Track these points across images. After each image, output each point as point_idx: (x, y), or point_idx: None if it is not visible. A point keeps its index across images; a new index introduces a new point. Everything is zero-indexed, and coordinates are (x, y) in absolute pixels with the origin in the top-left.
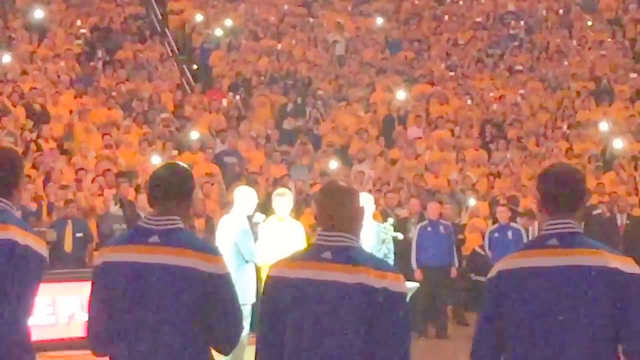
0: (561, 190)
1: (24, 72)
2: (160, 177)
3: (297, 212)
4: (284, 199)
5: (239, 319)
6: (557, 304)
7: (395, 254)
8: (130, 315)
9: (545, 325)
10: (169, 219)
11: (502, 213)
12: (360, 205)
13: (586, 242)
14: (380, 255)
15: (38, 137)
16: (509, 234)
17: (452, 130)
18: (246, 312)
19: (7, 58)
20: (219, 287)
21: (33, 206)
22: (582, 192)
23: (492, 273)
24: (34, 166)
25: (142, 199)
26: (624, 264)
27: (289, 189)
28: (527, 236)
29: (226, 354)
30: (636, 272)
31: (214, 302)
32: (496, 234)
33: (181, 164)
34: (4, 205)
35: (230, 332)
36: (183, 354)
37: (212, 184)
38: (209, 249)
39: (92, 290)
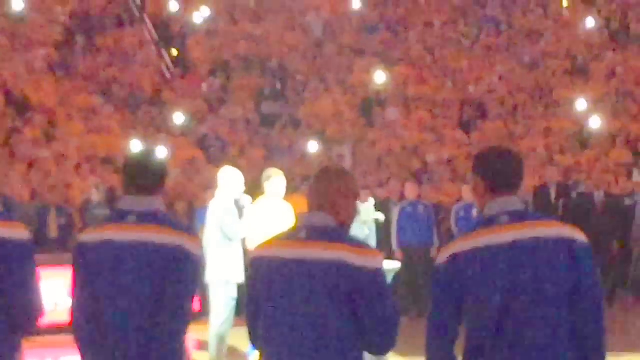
0: (504, 170)
1: (3, 60)
2: (134, 163)
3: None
4: (279, 179)
5: (192, 296)
6: (519, 278)
7: (377, 234)
8: (107, 293)
9: (508, 302)
10: (148, 200)
11: (467, 191)
12: (348, 188)
13: (536, 216)
14: (362, 236)
15: (24, 124)
16: (474, 212)
17: (430, 111)
18: (234, 292)
19: None
20: (194, 265)
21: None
22: (522, 171)
23: (444, 257)
24: (13, 154)
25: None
26: (573, 232)
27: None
28: None
29: (177, 328)
30: (585, 240)
31: (181, 280)
32: (462, 212)
33: (152, 150)
34: None
35: (189, 309)
36: (152, 332)
37: (194, 168)
38: (188, 229)
39: (72, 274)
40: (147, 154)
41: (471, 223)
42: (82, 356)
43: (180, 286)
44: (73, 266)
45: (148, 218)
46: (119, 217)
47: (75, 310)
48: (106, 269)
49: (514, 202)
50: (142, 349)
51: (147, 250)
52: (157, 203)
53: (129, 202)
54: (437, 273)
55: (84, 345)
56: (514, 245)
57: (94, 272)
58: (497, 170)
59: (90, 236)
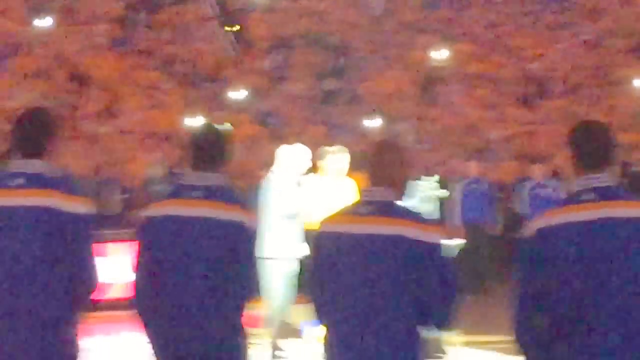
0: (593, 146)
1: (66, 35)
2: (200, 138)
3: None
4: (341, 156)
5: (256, 272)
6: (602, 257)
7: (439, 212)
8: (171, 267)
9: (589, 280)
10: (211, 176)
11: (537, 170)
12: (406, 162)
13: (623, 195)
14: (424, 212)
15: (86, 99)
16: (545, 191)
17: (491, 89)
18: (293, 269)
19: (48, 21)
20: (252, 241)
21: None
22: (614, 147)
23: (529, 232)
24: (74, 129)
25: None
26: None
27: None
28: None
29: (238, 303)
30: None
31: (242, 256)
32: (532, 192)
33: (218, 126)
34: (44, 167)
35: (251, 283)
36: (214, 307)
37: (255, 145)
38: (249, 205)
39: (137, 248)
40: (213, 129)
41: (543, 202)
42: (145, 329)
43: (243, 262)
44: (138, 241)
45: (212, 194)
46: (183, 192)
47: (138, 283)
48: (170, 244)
49: (603, 178)
50: (204, 322)
51: (211, 225)
52: (221, 179)
53: (194, 178)
54: (522, 246)
55: (146, 318)
56: (597, 224)
57: (158, 246)
58: (586, 145)
59: (155, 211)
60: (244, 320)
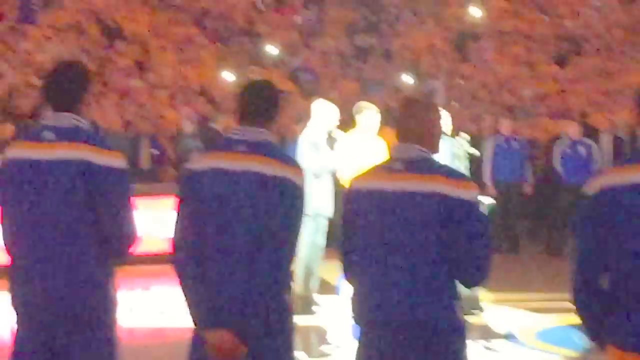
0: None
1: None
2: (252, 92)
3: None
4: (372, 112)
5: (300, 230)
6: None
7: (470, 169)
8: (213, 221)
9: None
10: (259, 131)
11: (574, 128)
12: (436, 118)
13: None
14: None
15: (117, 53)
16: (581, 149)
17: (525, 46)
18: (323, 226)
19: None
20: (300, 199)
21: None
22: None
23: (593, 189)
24: (105, 84)
25: (218, 115)
26: None
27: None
28: (599, 151)
29: (281, 260)
30: None
31: (287, 212)
32: (568, 150)
33: (271, 82)
34: (75, 121)
35: (293, 241)
36: (258, 264)
37: (286, 101)
38: (295, 162)
39: (178, 203)
40: (267, 84)
41: (578, 161)
42: (182, 286)
43: (286, 218)
44: (180, 195)
45: (258, 148)
46: (229, 145)
47: (178, 238)
48: (214, 197)
49: None
50: (247, 279)
51: (256, 180)
52: (268, 134)
53: (240, 132)
54: (585, 203)
55: (184, 275)
56: None
57: (201, 200)
58: None
59: (198, 164)
60: (289, 275)
